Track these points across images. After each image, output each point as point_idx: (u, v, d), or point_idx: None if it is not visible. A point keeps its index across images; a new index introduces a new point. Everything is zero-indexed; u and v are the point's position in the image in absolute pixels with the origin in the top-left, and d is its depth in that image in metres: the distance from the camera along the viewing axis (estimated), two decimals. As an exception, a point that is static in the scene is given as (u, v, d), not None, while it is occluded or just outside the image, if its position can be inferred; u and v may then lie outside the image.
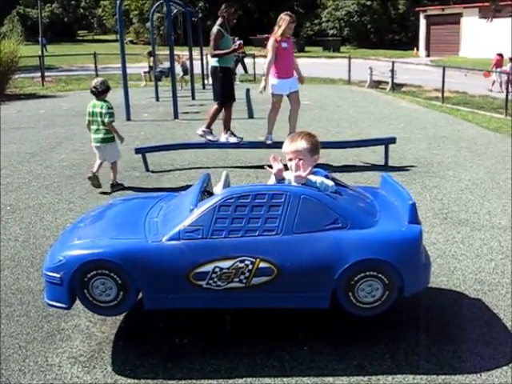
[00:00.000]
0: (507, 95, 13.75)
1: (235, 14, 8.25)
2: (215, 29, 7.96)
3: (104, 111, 6.88)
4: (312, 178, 3.47)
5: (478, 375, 3.20)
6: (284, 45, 7.70)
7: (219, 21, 8.04)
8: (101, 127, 6.94)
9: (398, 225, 3.44)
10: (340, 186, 3.65)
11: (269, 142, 8.00)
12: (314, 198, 3.35)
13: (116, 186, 7.04)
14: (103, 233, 3.53)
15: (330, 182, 3.50)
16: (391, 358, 3.34)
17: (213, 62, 8.10)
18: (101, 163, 7.08)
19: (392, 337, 3.56)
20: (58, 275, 3.28)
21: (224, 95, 8.09)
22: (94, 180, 6.92)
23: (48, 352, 3.48)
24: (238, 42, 7.92)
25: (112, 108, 7.01)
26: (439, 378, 3.16)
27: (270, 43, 7.68)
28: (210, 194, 3.75)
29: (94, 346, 3.52)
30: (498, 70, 18.98)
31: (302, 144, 3.55)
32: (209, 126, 8.28)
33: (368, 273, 3.29)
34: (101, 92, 7.01)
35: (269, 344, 3.49)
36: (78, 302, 3.42)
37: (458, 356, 3.38)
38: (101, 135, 6.97)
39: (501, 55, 20.35)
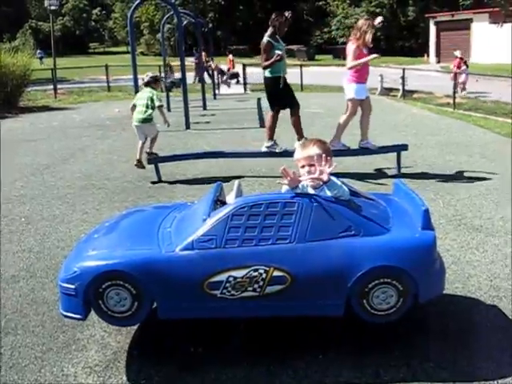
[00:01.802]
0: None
1: (286, 23, 8.10)
2: (265, 40, 7.91)
3: (154, 97, 8.23)
4: (334, 179, 3.47)
5: (495, 382, 3.17)
6: (365, 50, 7.73)
7: (269, 31, 7.97)
8: (145, 109, 8.19)
9: (411, 231, 3.43)
10: (352, 193, 3.65)
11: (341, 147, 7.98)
12: (327, 206, 3.35)
13: (151, 155, 8.38)
14: (117, 243, 3.54)
15: (346, 189, 3.50)
16: (406, 366, 3.31)
17: (265, 72, 8.06)
18: (142, 145, 8.33)
19: (407, 344, 3.54)
20: (73, 286, 3.30)
21: (284, 104, 8.14)
22: (139, 164, 8.28)
23: (64, 362, 3.49)
24: (277, 52, 7.85)
25: (156, 93, 8.30)
26: (455, 386, 3.14)
27: (353, 49, 7.64)
28: (223, 203, 3.76)
29: (110, 356, 3.54)
30: (459, 70, 19.86)
31: (314, 150, 3.55)
32: (271, 138, 8.23)
33: (382, 280, 3.28)
34: (147, 82, 8.41)
35: (283, 353, 3.48)
36: (93, 312, 3.44)
37: (474, 363, 3.35)
38: (143, 116, 8.23)
39: (461, 58, 21.20)
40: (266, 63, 7.88)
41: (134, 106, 8.40)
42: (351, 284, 3.26)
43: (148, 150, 8.45)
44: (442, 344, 3.54)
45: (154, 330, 3.78)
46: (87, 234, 4.15)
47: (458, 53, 21.06)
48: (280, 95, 8.09)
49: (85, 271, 3.30)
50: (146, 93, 8.35)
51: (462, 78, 19.32)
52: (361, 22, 7.75)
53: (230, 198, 3.73)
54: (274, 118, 8.16)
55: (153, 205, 5.42)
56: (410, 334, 3.64)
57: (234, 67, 19.25)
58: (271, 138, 8.21)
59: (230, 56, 20.66)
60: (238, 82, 19.85)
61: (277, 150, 8.16)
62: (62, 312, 3.46)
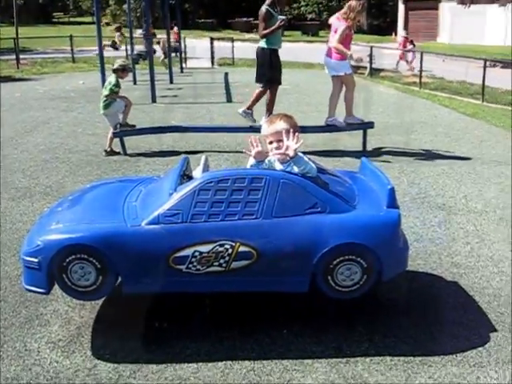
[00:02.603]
0: (484, 81, 13.86)
1: None
2: (264, 8, 7.67)
3: (108, 84, 8.08)
4: (301, 155, 3.47)
5: (454, 356, 3.26)
6: (351, 31, 7.68)
7: (268, 0, 7.74)
8: (104, 97, 8.03)
9: (376, 209, 3.46)
10: (319, 170, 3.66)
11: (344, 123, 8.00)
12: (294, 182, 3.36)
13: (127, 126, 8.21)
14: (82, 217, 3.49)
15: (314, 166, 3.51)
16: (369, 341, 3.38)
17: (261, 42, 7.85)
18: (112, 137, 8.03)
19: (369, 319, 3.60)
20: (36, 260, 3.25)
21: (271, 78, 7.92)
22: (110, 153, 7.95)
23: (26, 337, 3.46)
24: (281, 18, 7.67)
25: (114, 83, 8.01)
26: (416, 360, 3.22)
27: (343, 28, 7.53)
28: (190, 177, 3.73)
29: (73, 331, 3.51)
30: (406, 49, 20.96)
31: (281, 125, 3.54)
32: (250, 108, 8.08)
33: (347, 257, 3.32)
34: (115, 69, 8.10)
35: (248, 327, 3.51)
36: (56, 286, 3.40)
37: (435, 338, 3.44)
38: (102, 103, 8.06)
39: (406, 37, 22.28)
40: (266, 31, 7.66)
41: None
42: (316, 260, 3.29)
43: (122, 122, 8.20)
44: (404, 320, 3.62)
45: (118, 304, 3.76)
46: (50, 208, 4.08)
47: (403, 32, 21.89)
48: (273, 68, 7.89)
49: (48, 244, 3.25)
50: (109, 80, 8.19)
51: (409, 57, 20.02)
52: (354, 3, 7.62)
53: (197, 173, 3.71)
54: (272, 94, 8.01)
55: (118, 178, 5.35)
56: (373, 310, 3.71)
57: (179, 40, 18.93)
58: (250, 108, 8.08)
59: (175, 29, 20.45)
60: (176, 55, 19.80)
61: (249, 119, 8.06)
62: (25, 286, 3.41)
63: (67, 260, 3.23)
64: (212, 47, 22.17)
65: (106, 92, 8.05)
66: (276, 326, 3.51)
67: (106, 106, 8.08)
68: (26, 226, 5.12)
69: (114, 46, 21.18)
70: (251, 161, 3.60)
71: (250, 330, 3.47)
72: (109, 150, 8.00)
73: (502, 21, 31.71)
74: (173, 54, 18.68)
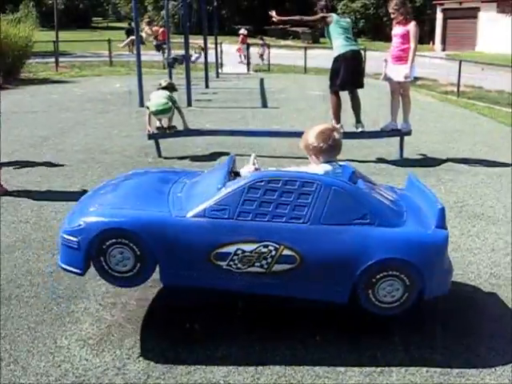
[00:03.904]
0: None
1: None
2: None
3: (175, 97, 8.28)
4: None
5: (493, 369, 3.15)
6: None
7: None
8: (164, 100, 7.95)
9: (424, 227, 3.36)
10: (368, 183, 3.59)
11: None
12: (346, 191, 3.28)
13: (172, 128, 8.26)
14: (125, 202, 3.44)
15: (329, 167, 3.45)
16: (405, 351, 3.29)
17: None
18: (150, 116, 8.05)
19: (405, 329, 3.51)
20: (76, 239, 3.22)
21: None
22: (162, 130, 8.16)
23: (57, 334, 3.45)
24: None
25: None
26: (453, 372, 3.11)
27: (416, 30, 7.49)
28: (237, 175, 3.68)
29: (104, 330, 3.49)
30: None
31: (303, 141, 3.57)
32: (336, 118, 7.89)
33: (390, 272, 3.23)
34: (165, 87, 8.26)
35: (280, 332, 3.45)
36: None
37: (472, 350, 3.33)
38: (162, 107, 7.94)
39: (245, 35, 24.93)
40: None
41: (148, 108, 8.03)
42: (359, 272, 3.20)
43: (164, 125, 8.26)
44: (441, 330, 3.51)
45: (150, 305, 3.74)
46: (92, 190, 4.02)
47: (242, 31, 24.49)
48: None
49: (90, 226, 3.21)
50: (163, 93, 8.08)
51: (260, 51, 23.65)
52: (401, 5, 7.54)
53: (245, 171, 3.65)
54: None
55: (162, 169, 5.30)
56: (409, 320, 3.59)
57: (164, 39, 19.11)
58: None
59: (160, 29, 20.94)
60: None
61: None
62: (61, 264, 3.39)
63: (107, 243, 3.19)
64: (248, 53, 22.23)
65: (167, 103, 7.94)
66: (309, 331, 3.44)
67: (166, 112, 8.01)
68: (60, 224, 5.14)
69: (142, 42, 21.13)
70: (246, 171, 3.60)
71: (282, 335, 3.41)
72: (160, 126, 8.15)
73: (544, 30, 31.13)
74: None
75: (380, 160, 7.81)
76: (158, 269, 3.32)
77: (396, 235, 3.27)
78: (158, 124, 8.19)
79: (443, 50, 39.22)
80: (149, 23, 19.06)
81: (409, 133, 8.01)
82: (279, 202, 3.23)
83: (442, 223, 3.36)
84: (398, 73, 7.68)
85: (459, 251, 4.72)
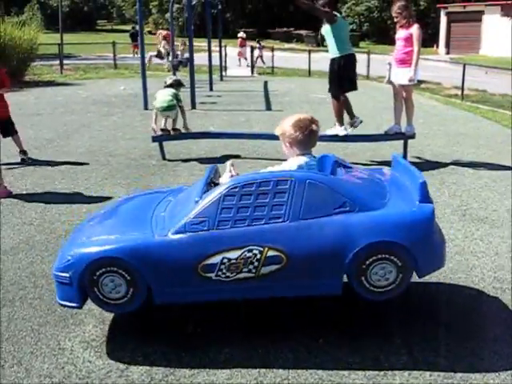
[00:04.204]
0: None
1: None
2: None
3: (180, 95, 8.34)
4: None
5: (497, 374, 3.13)
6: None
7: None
8: (169, 98, 8.08)
9: (408, 205, 3.34)
10: (347, 168, 3.58)
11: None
12: (321, 182, 3.27)
13: (187, 129, 8.40)
14: (111, 230, 3.47)
15: (302, 160, 3.46)
16: (408, 354, 3.28)
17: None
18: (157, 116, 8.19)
19: (409, 332, 3.49)
20: (67, 275, 3.23)
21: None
22: (166, 132, 8.17)
23: (60, 336, 3.46)
24: None
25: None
26: (457, 376, 3.10)
27: (419, 33, 7.48)
28: (216, 185, 3.68)
29: (107, 332, 3.50)
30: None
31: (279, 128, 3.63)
32: (351, 117, 7.88)
33: (379, 256, 3.20)
34: (170, 84, 8.32)
35: (283, 335, 3.44)
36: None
37: (476, 354, 3.31)
38: (167, 104, 8.05)
39: (244, 38, 25.14)
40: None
41: (155, 107, 8.22)
42: (348, 261, 3.19)
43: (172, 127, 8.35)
44: (444, 334, 3.50)
45: (153, 308, 3.74)
46: (82, 223, 4.07)
47: (241, 34, 24.71)
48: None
49: (78, 259, 3.23)
50: (168, 91, 8.19)
51: (257, 53, 23.69)
52: (404, 9, 7.54)
53: (224, 179, 3.66)
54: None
55: (148, 190, 5.37)
56: (412, 323, 3.59)
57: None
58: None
59: (164, 32, 21.16)
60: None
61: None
62: (59, 301, 3.40)
63: (97, 273, 3.20)
64: (252, 56, 22.28)
65: (173, 100, 8.08)
66: (312, 334, 3.43)
67: (172, 108, 8.14)
68: (64, 226, 5.18)
69: (161, 56, 21.28)
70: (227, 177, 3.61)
71: (284, 338, 3.40)
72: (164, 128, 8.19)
73: (548, 34, 31.08)
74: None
75: (384, 163, 7.78)
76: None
77: (379, 218, 3.25)
78: (162, 126, 8.21)
79: (447, 53, 39.21)
80: (164, 38, 19.10)
81: (413, 136, 8.01)
82: (256, 204, 3.23)
83: (425, 197, 3.33)
84: (402, 76, 7.68)
85: (463, 254, 4.71)
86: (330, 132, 7.75)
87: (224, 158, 7.75)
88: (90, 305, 3.77)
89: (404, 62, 7.63)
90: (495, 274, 4.36)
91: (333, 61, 7.64)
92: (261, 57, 24.18)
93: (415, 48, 7.49)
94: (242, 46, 24.85)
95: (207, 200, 3.29)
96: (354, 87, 7.77)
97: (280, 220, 3.22)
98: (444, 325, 3.61)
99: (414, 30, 7.48)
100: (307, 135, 3.49)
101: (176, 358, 3.23)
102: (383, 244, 3.20)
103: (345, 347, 3.32)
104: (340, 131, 7.76)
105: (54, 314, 3.70)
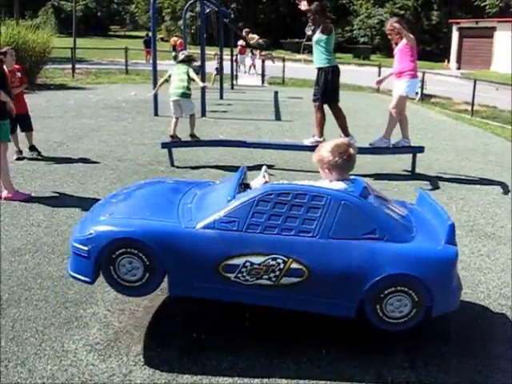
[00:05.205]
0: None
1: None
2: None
3: (190, 70, 8.51)
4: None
5: (500, 391, 3.12)
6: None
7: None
8: (184, 84, 8.37)
9: (434, 243, 3.35)
10: (379, 198, 3.58)
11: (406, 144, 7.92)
12: (355, 205, 3.28)
13: (194, 137, 8.52)
14: (136, 212, 3.45)
15: (341, 185, 3.45)
16: (410, 368, 3.27)
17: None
18: (176, 120, 8.42)
19: (412, 347, 3.49)
20: (87, 248, 3.24)
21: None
22: (176, 138, 8.36)
23: (64, 338, 3.47)
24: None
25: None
26: (460, 392, 3.09)
27: (410, 35, 7.49)
28: (247, 187, 3.69)
29: (111, 335, 3.51)
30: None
31: (316, 155, 3.58)
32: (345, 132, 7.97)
33: (399, 288, 3.21)
34: (182, 60, 8.64)
35: (287, 345, 3.44)
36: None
37: (480, 371, 3.30)
38: (182, 90, 8.37)
39: (242, 45, 24.70)
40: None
41: (166, 81, 8.63)
42: (367, 287, 3.20)
43: (190, 133, 8.55)
44: (449, 349, 3.49)
45: (157, 312, 3.75)
46: (104, 198, 4.04)
47: (241, 41, 24.51)
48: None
49: (100, 235, 3.23)
50: (181, 69, 8.50)
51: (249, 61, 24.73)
52: (396, 24, 7.57)
53: (256, 183, 3.67)
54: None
55: (173, 179, 5.34)
56: (416, 337, 3.58)
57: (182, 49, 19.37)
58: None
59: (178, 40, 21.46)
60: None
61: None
62: (70, 272, 3.41)
63: (117, 253, 3.21)
64: (263, 66, 22.36)
65: (185, 79, 8.37)
66: (315, 346, 3.43)
67: (188, 95, 8.48)
68: (71, 229, 5.17)
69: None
70: (256, 183, 3.63)
71: (288, 348, 3.40)
72: (173, 134, 8.39)
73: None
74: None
75: (392, 176, 7.79)
76: (166, 279, 3.33)
77: (405, 250, 3.26)
78: (172, 132, 8.28)
79: (458, 68, 39.22)
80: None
81: (422, 150, 8.01)
82: (288, 215, 3.24)
83: (451, 239, 3.35)
84: (400, 87, 7.68)
85: (469, 270, 4.70)
86: (307, 142, 7.87)
87: (229, 166, 7.80)
88: (94, 308, 3.81)
89: (401, 73, 7.64)
90: (501, 291, 4.35)
91: (321, 70, 7.78)
92: (253, 66, 24.50)
93: (407, 38, 7.45)
94: (242, 53, 25.09)
95: (240, 201, 3.29)
96: (338, 98, 7.99)
97: (309, 234, 3.22)
98: (448, 340, 3.60)
99: (405, 38, 7.49)
100: (346, 160, 3.50)
101: (179, 363, 3.23)
102: (405, 277, 3.21)
103: (347, 360, 3.32)
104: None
105: (59, 317, 3.71)
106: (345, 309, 3.29)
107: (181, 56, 8.85)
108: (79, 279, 3.39)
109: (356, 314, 3.29)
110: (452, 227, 3.35)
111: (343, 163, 3.49)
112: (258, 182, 3.67)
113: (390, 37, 7.77)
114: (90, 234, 3.26)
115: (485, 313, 4.03)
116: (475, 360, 3.39)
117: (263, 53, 22.05)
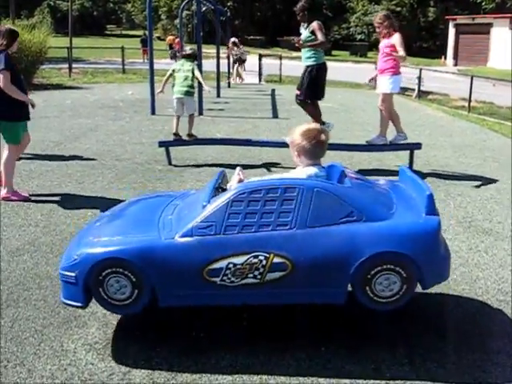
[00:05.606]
0: None
1: None
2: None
3: (195, 67, 8.52)
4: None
5: (499, 386, 3.13)
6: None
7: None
8: (189, 82, 8.33)
9: (415, 217, 3.35)
10: (355, 179, 3.59)
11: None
12: (328, 191, 3.29)
13: (192, 136, 8.52)
14: (118, 231, 3.48)
15: (311, 170, 3.47)
16: (409, 364, 3.27)
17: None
18: (178, 118, 8.45)
19: (411, 342, 3.49)
20: (73, 274, 3.25)
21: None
22: (178, 136, 8.43)
23: (63, 337, 3.47)
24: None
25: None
26: (459, 387, 3.10)
27: (401, 40, 7.40)
28: (224, 190, 3.69)
29: (110, 335, 3.51)
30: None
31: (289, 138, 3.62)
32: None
33: (385, 266, 3.21)
34: (188, 55, 8.67)
35: (285, 342, 3.44)
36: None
37: (478, 366, 3.30)
38: (186, 89, 8.31)
39: (234, 43, 22.32)
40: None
41: (170, 76, 8.54)
42: (353, 271, 3.20)
43: (187, 132, 8.55)
44: (447, 345, 3.50)
45: (156, 311, 3.75)
46: (89, 223, 4.09)
47: (233, 39, 23.16)
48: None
49: (84, 259, 3.24)
50: (186, 66, 8.45)
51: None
52: (385, 19, 7.56)
53: (232, 185, 3.67)
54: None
55: (157, 193, 5.39)
56: (415, 333, 3.59)
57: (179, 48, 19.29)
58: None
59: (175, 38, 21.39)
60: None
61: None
62: (63, 300, 3.42)
63: (103, 274, 3.22)
64: (260, 64, 22.36)
65: (189, 77, 8.33)
66: (314, 342, 3.43)
67: (191, 93, 8.45)
68: (69, 229, 5.20)
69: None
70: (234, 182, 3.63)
71: (287, 345, 3.40)
72: (176, 132, 8.45)
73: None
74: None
75: (389, 173, 7.79)
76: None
77: (385, 228, 3.26)
78: (174, 130, 8.39)
79: (455, 65, 39.26)
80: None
81: (419, 146, 8.01)
82: (263, 211, 3.24)
83: (431, 210, 3.35)
84: (382, 84, 7.67)
85: (467, 266, 4.71)
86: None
87: (226, 165, 7.79)
88: (93, 307, 3.80)
89: (383, 70, 7.63)
90: (499, 287, 4.36)
91: (311, 67, 7.75)
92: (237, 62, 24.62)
93: (400, 53, 7.40)
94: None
95: (215, 205, 3.30)
96: (323, 95, 7.95)
97: (287, 227, 3.23)
98: (446, 336, 3.61)
99: (396, 38, 7.44)
100: (315, 145, 3.51)
101: (178, 362, 3.23)
102: (389, 254, 3.21)
103: (346, 356, 3.32)
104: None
105: (58, 316, 3.71)
106: (334, 296, 3.30)
107: (188, 51, 8.82)
108: (72, 305, 3.40)
109: (346, 299, 3.29)
110: (430, 197, 3.35)
111: (311, 148, 3.50)
112: (232, 183, 3.67)
113: (378, 30, 7.71)
114: (75, 259, 3.28)
115: (483, 308, 4.03)
116: (474, 355, 3.40)
117: (238, 67, 21.83)
